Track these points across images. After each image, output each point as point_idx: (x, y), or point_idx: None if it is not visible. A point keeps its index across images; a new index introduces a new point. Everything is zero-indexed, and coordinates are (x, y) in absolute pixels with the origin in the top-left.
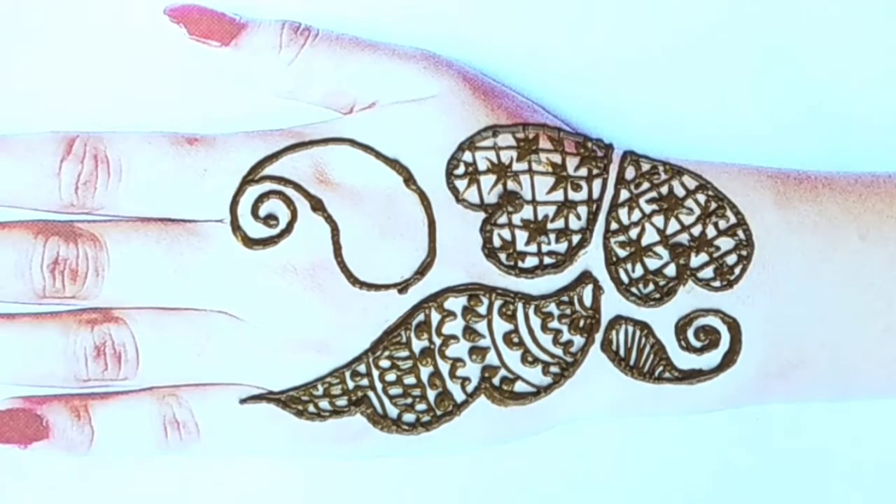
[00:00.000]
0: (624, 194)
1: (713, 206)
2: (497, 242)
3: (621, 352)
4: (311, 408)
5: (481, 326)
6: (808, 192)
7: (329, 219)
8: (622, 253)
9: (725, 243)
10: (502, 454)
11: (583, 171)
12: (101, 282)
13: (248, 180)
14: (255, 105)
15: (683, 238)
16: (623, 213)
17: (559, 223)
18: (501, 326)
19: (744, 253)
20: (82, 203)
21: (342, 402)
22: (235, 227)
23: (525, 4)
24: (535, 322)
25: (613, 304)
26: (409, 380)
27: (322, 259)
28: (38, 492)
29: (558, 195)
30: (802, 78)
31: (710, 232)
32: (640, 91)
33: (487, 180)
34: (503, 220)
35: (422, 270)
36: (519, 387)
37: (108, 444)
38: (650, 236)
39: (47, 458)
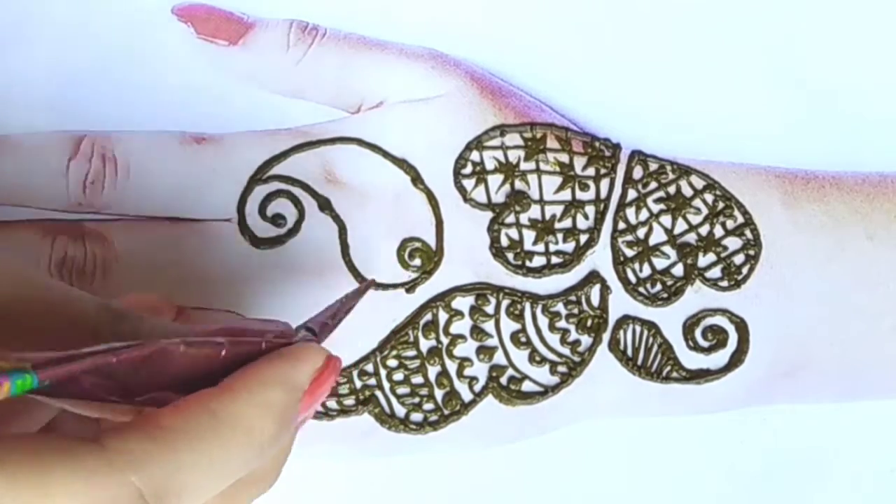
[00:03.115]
0: (631, 194)
1: (721, 205)
2: (504, 242)
3: (629, 351)
4: (319, 407)
5: (489, 326)
6: (816, 191)
7: (336, 218)
8: (630, 252)
9: (733, 243)
10: (510, 454)
11: (590, 171)
12: (108, 282)
13: (255, 179)
14: (263, 104)
15: (691, 238)
16: (631, 212)
17: (567, 223)
18: (509, 326)
19: (751, 252)
20: (90, 202)
21: (350, 401)
22: (243, 226)
23: (533, 4)
24: (543, 321)
25: (621, 303)
26: (417, 379)
27: (329, 258)
28: None
29: (566, 195)
30: (810, 77)
31: (718, 231)
32: (647, 90)
33: (495, 180)
34: (511, 219)
35: (429, 270)
36: (526, 386)
37: None
38: (658, 236)
39: None
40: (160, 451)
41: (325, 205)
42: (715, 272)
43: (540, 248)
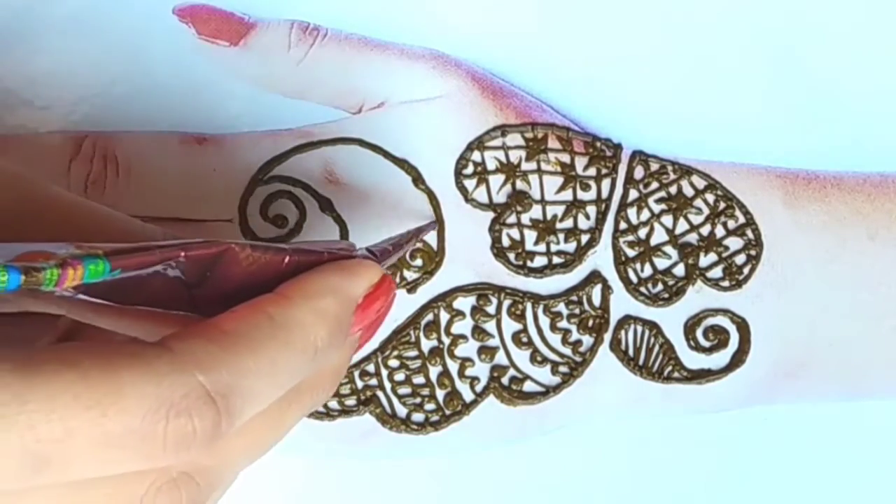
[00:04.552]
0: (633, 194)
1: (722, 205)
2: (506, 242)
3: (630, 351)
4: (320, 407)
5: (490, 326)
6: (817, 191)
7: (338, 219)
8: (631, 252)
9: (734, 243)
10: (510, 454)
11: (592, 171)
12: None
13: (256, 180)
14: (264, 104)
15: (692, 238)
16: (632, 212)
17: (568, 223)
18: (510, 326)
19: (752, 252)
20: None
21: (351, 401)
22: (244, 227)
23: (533, 4)
24: (544, 322)
25: (622, 303)
26: (418, 379)
27: None
28: None
29: (567, 195)
30: (811, 77)
31: (719, 231)
32: (648, 90)
33: (496, 180)
34: (512, 219)
35: (431, 270)
36: (528, 386)
37: None
38: (659, 236)
39: None
40: (223, 353)
41: (326, 205)
42: (716, 272)
43: (541, 248)
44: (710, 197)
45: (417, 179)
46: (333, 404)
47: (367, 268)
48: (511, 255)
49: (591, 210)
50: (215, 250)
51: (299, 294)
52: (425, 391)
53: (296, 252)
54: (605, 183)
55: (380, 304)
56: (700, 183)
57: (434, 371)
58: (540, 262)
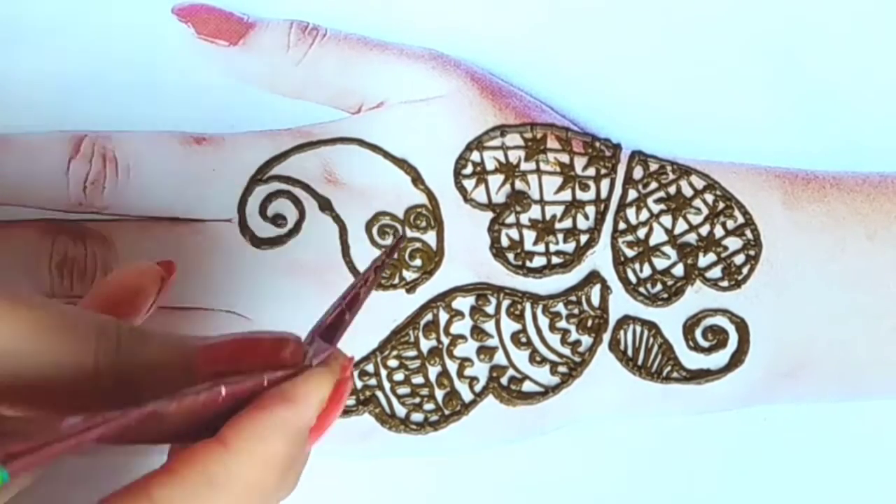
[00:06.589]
0: (632, 194)
1: (721, 205)
2: (505, 242)
3: (629, 352)
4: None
5: (489, 326)
6: (816, 192)
7: (337, 218)
8: (630, 253)
9: (733, 243)
10: (510, 454)
11: (591, 171)
12: None
13: (256, 180)
14: (263, 104)
15: (691, 238)
16: (631, 212)
17: (567, 223)
18: (509, 326)
19: (752, 253)
20: (90, 202)
21: (350, 401)
22: (243, 226)
23: (533, 4)
24: (543, 322)
25: (621, 303)
26: (418, 379)
27: (330, 259)
28: None
29: (566, 195)
30: (811, 78)
31: (718, 232)
32: (647, 90)
33: (495, 180)
34: (511, 219)
35: (430, 270)
36: (527, 386)
37: None
38: (658, 236)
39: None
40: None
41: (325, 205)
42: (715, 272)
43: (540, 248)
44: (709, 197)
45: (417, 179)
46: None
47: (316, 384)
48: (510, 256)
49: (590, 210)
50: (135, 418)
51: (242, 443)
52: (424, 391)
53: (230, 383)
54: (605, 183)
55: (336, 413)
56: (699, 183)
57: (433, 371)
58: (539, 262)
